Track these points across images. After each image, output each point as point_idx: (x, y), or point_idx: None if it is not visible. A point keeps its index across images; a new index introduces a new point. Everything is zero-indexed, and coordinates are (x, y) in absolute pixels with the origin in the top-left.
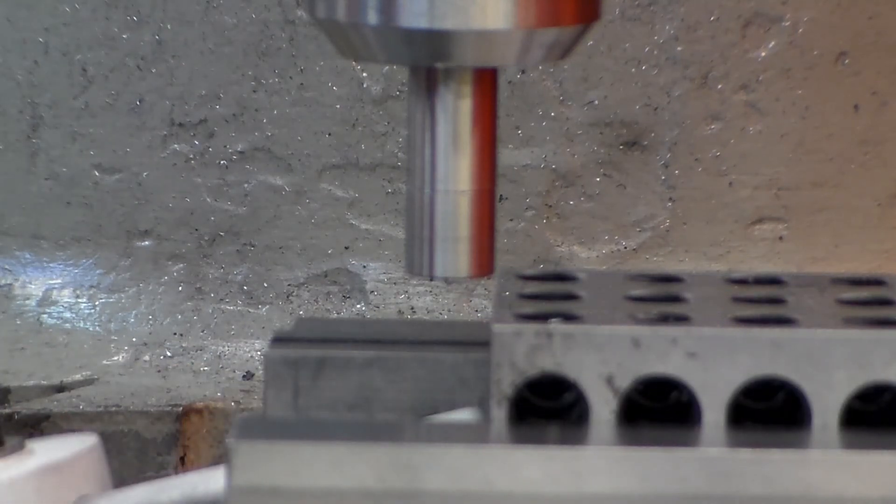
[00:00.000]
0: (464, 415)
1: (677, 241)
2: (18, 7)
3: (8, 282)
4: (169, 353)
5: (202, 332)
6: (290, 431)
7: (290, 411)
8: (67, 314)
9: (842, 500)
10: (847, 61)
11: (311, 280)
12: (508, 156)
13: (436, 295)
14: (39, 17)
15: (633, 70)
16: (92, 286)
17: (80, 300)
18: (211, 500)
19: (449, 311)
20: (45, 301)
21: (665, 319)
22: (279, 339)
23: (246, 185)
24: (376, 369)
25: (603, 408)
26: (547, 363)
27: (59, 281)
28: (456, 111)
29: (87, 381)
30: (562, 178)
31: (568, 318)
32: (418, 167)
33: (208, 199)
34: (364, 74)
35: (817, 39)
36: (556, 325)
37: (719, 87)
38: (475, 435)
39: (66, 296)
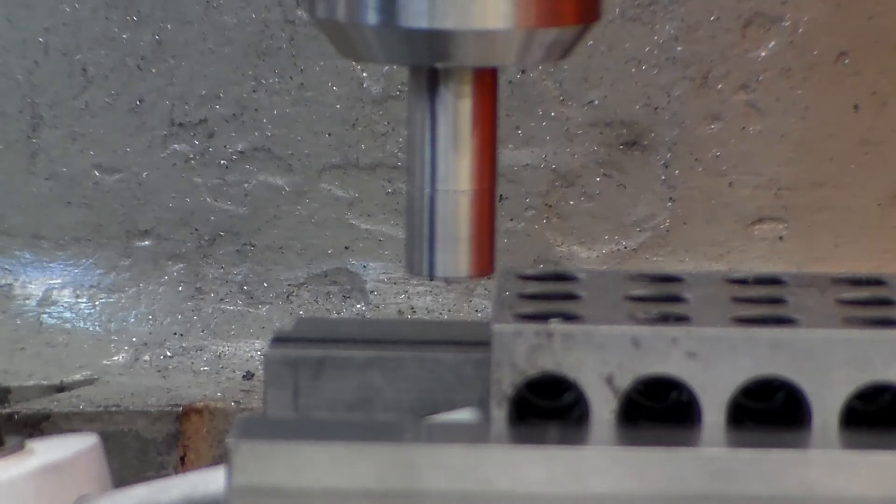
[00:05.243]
0: (464, 415)
1: (677, 241)
2: (18, 7)
3: (8, 282)
4: (169, 353)
5: (202, 332)
6: (290, 431)
7: (290, 411)
8: (67, 314)
9: (842, 500)
10: (847, 61)
11: (311, 280)
12: (508, 156)
13: (436, 295)
14: (39, 17)
15: (633, 70)
16: (92, 286)
17: (80, 300)
18: (211, 500)
19: (449, 311)
20: (45, 301)
21: (665, 319)
22: (279, 339)
23: (246, 185)
24: (376, 369)
25: (603, 408)
26: (547, 363)
27: (59, 281)
28: (456, 111)
29: (87, 381)
30: (562, 178)
31: (568, 318)
32: (418, 167)
33: (208, 199)
34: (364, 74)
35: (817, 39)
36: (556, 325)
37: (719, 87)
38: (475, 435)
39: (66, 296)
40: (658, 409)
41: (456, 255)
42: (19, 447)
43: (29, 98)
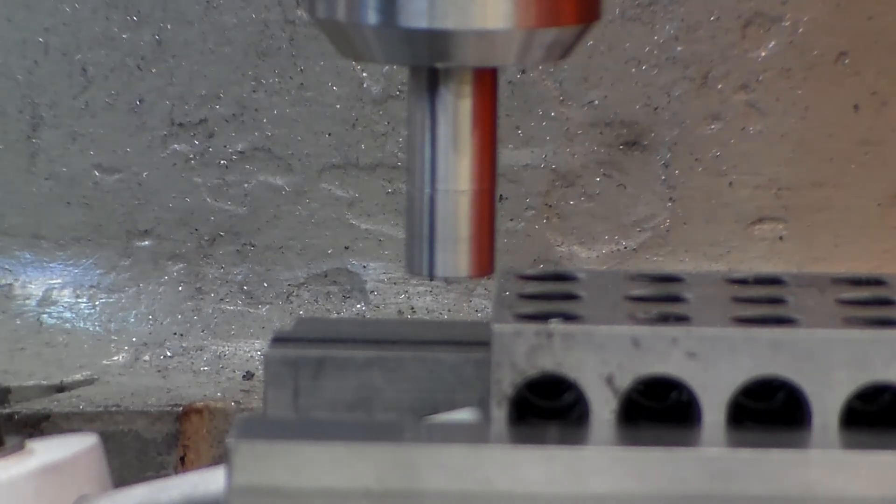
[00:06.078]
0: (464, 415)
1: (677, 241)
2: (18, 7)
3: (8, 282)
4: (169, 353)
5: (202, 332)
6: (290, 431)
7: (290, 411)
8: (67, 314)
9: (842, 500)
10: (847, 61)
11: (311, 280)
12: (508, 156)
13: (436, 295)
14: (39, 17)
15: (633, 70)
16: (92, 286)
17: (80, 300)
18: (211, 500)
19: (449, 311)
20: (45, 301)
21: (665, 319)
22: (279, 339)
23: (246, 185)
24: (376, 369)
25: (603, 408)
26: (547, 363)
27: (59, 281)
28: (456, 111)
29: (87, 381)
30: (562, 178)
31: (568, 318)
32: (418, 167)
33: (208, 199)
34: (364, 74)
35: (817, 39)
36: (556, 325)
37: (719, 87)
38: (475, 435)
39: (66, 296)
40: (658, 409)
41: (456, 255)
42: (19, 447)
43: (29, 98)
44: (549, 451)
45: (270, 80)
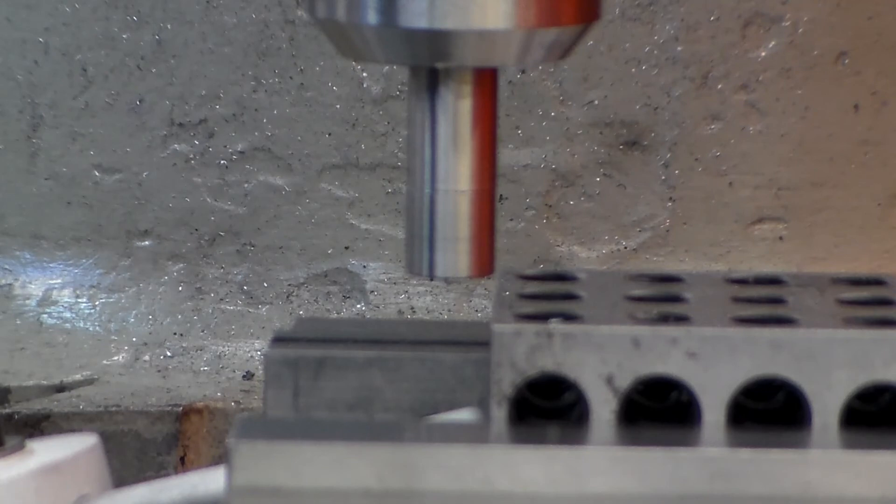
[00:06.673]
0: (464, 415)
1: (677, 241)
2: (18, 7)
3: (8, 282)
4: (169, 353)
5: (202, 332)
6: (290, 431)
7: (290, 411)
8: (67, 314)
9: (842, 500)
10: (847, 61)
11: (311, 280)
12: (508, 156)
13: (436, 295)
14: (39, 17)
15: (633, 70)
16: (92, 286)
17: (80, 300)
18: (211, 500)
19: (449, 311)
20: (45, 301)
21: (665, 319)
22: (279, 339)
23: (246, 185)
24: (376, 369)
25: (603, 408)
26: (547, 363)
27: (59, 281)
28: (456, 111)
29: (87, 381)
30: (562, 178)
31: (568, 318)
32: (418, 167)
33: (208, 199)
34: (364, 74)
35: (817, 39)
36: (556, 325)
37: (719, 87)
38: (475, 435)
39: (66, 296)
40: (658, 409)
41: (456, 255)
42: (19, 447)
43: (29, 98)
44: (549, 451)
45: (270, 80)
